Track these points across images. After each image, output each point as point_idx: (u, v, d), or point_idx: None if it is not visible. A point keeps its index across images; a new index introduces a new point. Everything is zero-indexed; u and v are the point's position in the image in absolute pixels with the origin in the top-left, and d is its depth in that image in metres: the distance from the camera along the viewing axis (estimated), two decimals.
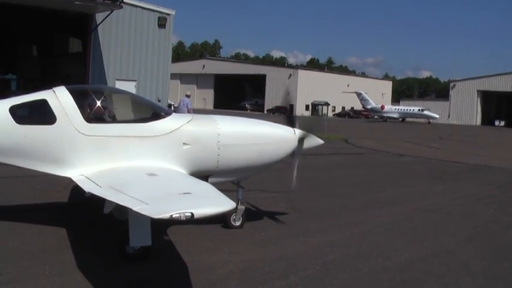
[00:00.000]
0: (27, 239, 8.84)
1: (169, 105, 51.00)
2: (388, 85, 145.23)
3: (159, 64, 42.08)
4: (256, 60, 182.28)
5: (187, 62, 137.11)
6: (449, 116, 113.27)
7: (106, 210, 7.88)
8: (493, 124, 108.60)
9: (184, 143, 9.14)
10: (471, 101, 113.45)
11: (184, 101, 26.32)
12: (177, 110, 25.72)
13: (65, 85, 9.19)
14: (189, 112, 23.95)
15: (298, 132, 10.47)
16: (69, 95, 8.81)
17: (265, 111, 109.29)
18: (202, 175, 9.19)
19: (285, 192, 11.78)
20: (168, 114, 9.54)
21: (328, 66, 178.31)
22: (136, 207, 6.15)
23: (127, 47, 40.22)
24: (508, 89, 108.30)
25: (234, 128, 9.90)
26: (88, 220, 10.30)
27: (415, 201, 14.60)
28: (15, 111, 8.64)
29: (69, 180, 8.79)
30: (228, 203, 6.30)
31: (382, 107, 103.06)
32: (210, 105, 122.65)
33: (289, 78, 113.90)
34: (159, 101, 39.18)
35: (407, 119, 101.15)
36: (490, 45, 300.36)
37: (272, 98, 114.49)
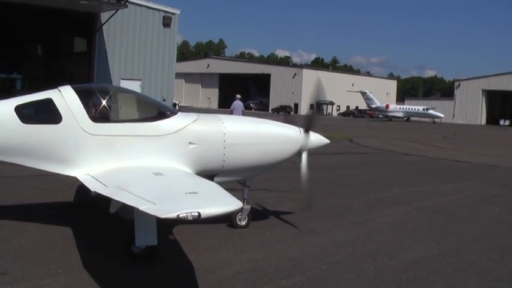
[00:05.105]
0: (32, 239, 8.84)
1: (174, 105, 51.03)
2: (392, 84, 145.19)
3: (164, 63, 42.09)
4: (261, 60, 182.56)
5: (192, 61, 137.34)
6: (454, 116, 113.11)
7: (112, 209, 7.86)
8: (498, 123, 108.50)
9: (190, 143, 9.11)
10: (476, 100, 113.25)
11: (239, 104, 26.57)
12: (232, 112, 25.93)
13: (70, 84, 9.18)
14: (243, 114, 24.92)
15: (302, 130, 10.43)
16: (75, 94, 8.79)
17: (270, 111, 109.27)
18: (208, 174, 9.18)
19: (293, 192, 11.67)
20: (173, 113, 9.52)
21: (333, 66, 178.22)
22: (143, 207, 6.13)
23: (132, 46, 40.24)
24: None
25: (239, 128, 9.87)
26: (94, 219, 10.30)
27: (420, 200, 14.57)
28: (20, 110, 8.63)
29: (74, 180, 8.79)
30: (235, 202, 6.28)
31: (387, 106, 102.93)
32: (214, 105, 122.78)
33: (293, 77, 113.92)
34: (164, 100, 39.20)
35: (412, 118, 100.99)
36: (495, 44, 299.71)
37: (277, 97, 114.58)
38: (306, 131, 10.39)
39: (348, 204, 13.54)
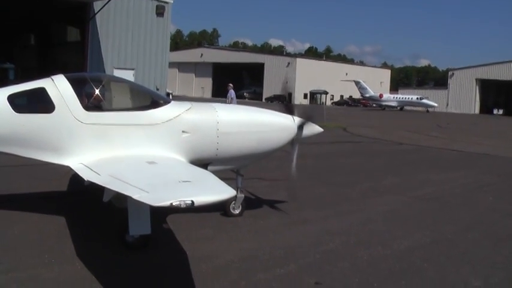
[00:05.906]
0: (26, 228, 8.83)
1: (168, 94, 50.92)
2: (386, 73, 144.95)
3: (157, 53, 41.97)
4: (255, 49, 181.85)
5: (185, 50, 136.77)
6: (447, 105, 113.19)
7: (105, 198, 7.86)
8: (491, 113, 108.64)
9: (183, 131, 9.09)
10: (470, 89, 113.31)
11: (232, 92, 28.69)
12: (231, 101, 27.63)
13: (63, 73, 9.12)
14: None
15: (297, 120, 10.43)
16: (68, 83, 8.74)
17: (264, 100, 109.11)
18: (202, 163, 9.15)
19: (284, 181, 11.68)
20: (167, 102, 9.49)
21: (327, 55, 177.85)
22: (136, 195, 6.11)
23: (125, 35, 40.08)
24: (507, 78, 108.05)
25: (233, 116, 9.86)
26: (87, 209, 10.29)
27: (414, 189, 14.60)
28: (13, 99, 8.57)
29: (68, 169, 8.76)
30: (228, 190, 6.27)
31: (381, 96, 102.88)
32: (208, 94, 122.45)
33: (287, 66, 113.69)
34: (157, 89, 39.09)
35: (406, 108, 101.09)
36: (488, 33, 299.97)
37: (270, 87, 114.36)
38: (302, 124, 10.41)
39: (342, 193, 13.57)
